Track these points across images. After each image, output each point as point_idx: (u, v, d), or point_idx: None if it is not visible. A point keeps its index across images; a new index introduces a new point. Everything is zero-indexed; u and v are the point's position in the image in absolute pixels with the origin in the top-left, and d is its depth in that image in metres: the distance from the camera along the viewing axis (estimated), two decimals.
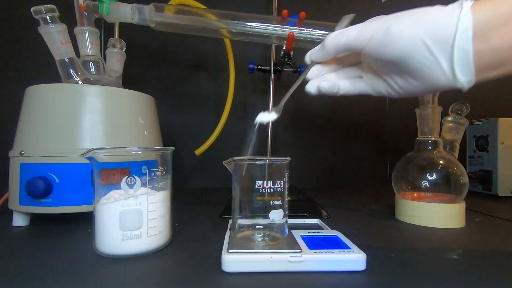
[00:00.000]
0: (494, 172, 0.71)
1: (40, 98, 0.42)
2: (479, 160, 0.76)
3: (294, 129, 0.88)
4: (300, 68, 0.64)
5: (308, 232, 0.34)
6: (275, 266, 0.27)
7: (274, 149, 0.85)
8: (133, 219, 0.30)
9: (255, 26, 0.46)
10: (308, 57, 0.34)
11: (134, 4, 0.46)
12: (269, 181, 0.30)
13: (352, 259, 0.27)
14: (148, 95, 0.50)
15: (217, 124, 0.65)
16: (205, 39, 0.79)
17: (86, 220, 0.40)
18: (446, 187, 0.44)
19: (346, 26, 0.34)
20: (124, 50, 0.53)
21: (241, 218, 0.31)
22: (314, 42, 0.47)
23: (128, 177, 0.30)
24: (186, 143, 0.80)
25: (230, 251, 0.27)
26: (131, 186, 0.30)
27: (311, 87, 0.34)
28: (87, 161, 0.31)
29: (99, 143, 0.42)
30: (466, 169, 0.68)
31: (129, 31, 0.68)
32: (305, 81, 0.35)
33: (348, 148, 0.90)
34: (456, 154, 0.49)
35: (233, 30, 0.47)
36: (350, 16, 0.36)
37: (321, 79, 0.33)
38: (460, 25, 0.23)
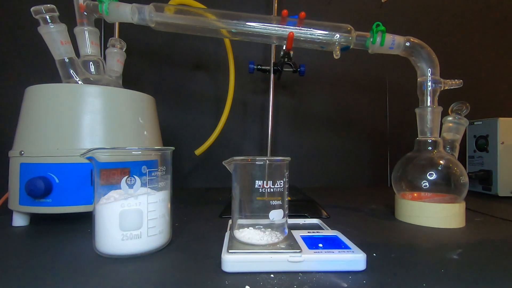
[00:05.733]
0: (494, 172, 0.71)
1: (40, 98, 0.42)
2: (479, 160, 0.76)
3: (294, 129, 0.88)
4: (300, 68, 0.64)
5: (308, 232, 0.34)
6: (275, 266, 0.27)
7: (274, 149, 0.85)
8: (133, 219, 0.30)
9: (255, 26, 0.46)
10: None
11: (134, 4, 0.46)
12: (269, 181, 0.30)
13: (352, 259, 0.27)
14: (148, 95, 0.50)
15: (217, 124, 0.65)
16: (205, 39, 0.79)
17: (86, 220, 0.40)
18: (446, 187, 0.44)
19: None
20: (124, 50, 0.53)
21: (241, 218, 0.31)
22: (314, 42, 0.47)
23: (128, 177, 0.30)
24: (186, 143, 0.80)
25: (230, 251, 0.27)
26: (131, 186, 0.30)
27: None
28: (87, 161, 0.31)
29: (99, 143, 0.42)
30: (466, 169, 0.68)
31: (129, 31, 0.68)
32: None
33: (348, 148, 0.90)
34: (456, 154, 0.49)
35: (233, 30, 0.47)
36: None
37: None
38: None
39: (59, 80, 0.45)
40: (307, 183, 0.86)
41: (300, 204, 0.55)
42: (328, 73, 0.88)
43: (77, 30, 0.47)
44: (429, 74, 0.46)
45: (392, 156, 0.90)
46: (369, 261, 0.27)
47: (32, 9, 0.42)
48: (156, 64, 0.82)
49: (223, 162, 0.32)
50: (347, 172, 0.90)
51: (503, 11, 0.95)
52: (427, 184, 0.45)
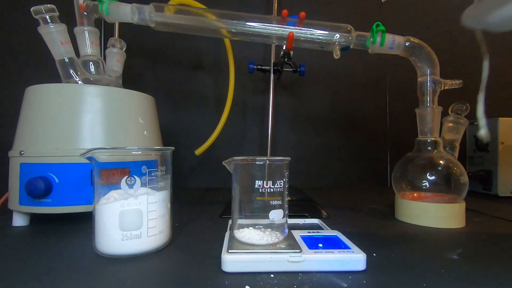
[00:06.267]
0: (494, 172, 0.71)
1: (40, 98, 0.42)
2: (479, 160, 0.76)
3: (294, 129, 0.88)
4: (300, 68, 0.64)
5: (308, 232, 0.34)
6: (275, 266, 0.27)
7: (274, 149, 0.85)
8: (133, 219, 0.30)
9: (255, 26, 0.46)
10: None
11: (134, 4, 0.46)
12: (269, 181, 0.30)
13: (352, 259, 0.27)
14: (148, 95, 0.50)
15: (217, 124, 0.65)
16: (205, 39, 0.79)
17: (86, 220, 0.40)
18: (446, 187, 0.44)
19: None
20: (124, 50, 0.53)
21: (241, 218, 0.31)
22: (314, 42, 0.47)
23: (128, 177, 0.30)
24: (186, 143, 0.80)
25: (230, 251, 0.27)
26: (131, 186, 0.30)
27: None
28: (87, 161, 0.31)
29: (99, 143, 0.42)
30: (466, 169, 0.68)
31: (129, 31, 0.68)
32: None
33: (348, 148, 0.90)
34: (456, 154, 0.49)
35: (233, 30, 0.47)
36: None
37: None
38: None
39: (59, 80, 0.45)
40: (307, 183, 0.86)
41: (300, 204, 0.55)
42: (328, 73, 0.88)
43: (77, 30, 0.47)
44: (429, 74, 0.46)
45: (392, 156, 0.90)
46: (369, 261, 0.27)
47: (32, 9, 0.42)
48: (156, 64, 0.82)
49: (223, 162, 0.32)
50: (347, 172, 0.90)
51: None
52: (427, 184, 0.45)
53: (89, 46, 0.47)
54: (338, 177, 0.89)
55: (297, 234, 0.33)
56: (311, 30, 0.46)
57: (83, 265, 0.28)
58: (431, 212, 0.43)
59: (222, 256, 0.27)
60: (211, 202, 0.61)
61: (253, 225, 0.31)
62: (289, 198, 0.33)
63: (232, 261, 0.26)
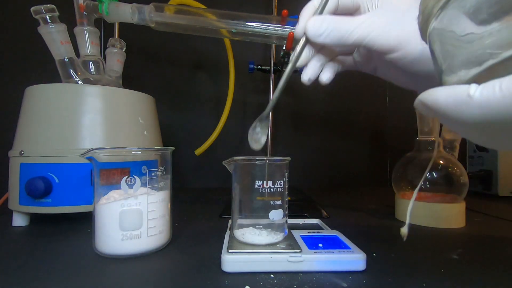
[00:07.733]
0: (494, 172, 0.71)
1: (40, 98, 0.42)
2: (479, 160, 0.76)
3: (294, 129, 0.88)
4: (301, 69, 0.64)
5: (308, 232, 0.34)
6: (275, 266, 0.27)
7: (274, 149, 0.85)
8: (132, 219, 0.30)
9: (255, 26, 0.46)
10: (302, 30, 0.29)
11: (134, 4, 0.46)
12: (269, 181, 0.30)
13: (352, 259, 0.27)
14: (148, 95, 0.50)
15: (217, 124, 0.65)
16: (205, 39, 0.79)
17: (86, 220, 0.40)
18: (446, 187, 0.44)
19: None
20: (124, 50, 0.53)
21: (241, 218, 0.31)
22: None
23: (128, 177, 0.30)
24: (186, 143, 0.80)
25: (230, 251, 0.27)
26: (131, 186, 0.30)
27: (307, 77, 0.33)
28: (87, 161, 0.31)
29: (99, 143, 0.42)
30: (466, 169, 0.68)
31: (129, 31, 0.68)
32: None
33: (348, 148, 0.90)
34: (456, 154, 0.49)
35: (233, 30, 0.47)
36: None
37: (317, 67, 0.32)
38: None
39: (59, 80, 0.45)
40: (307, 183, 0.86)
41: (300, 204, 0.55)
42: None
43: (77, 30, 0.47)
44: None
45: (392, 156, 0.90)
46: (369, 261, 0.27)
47: (32, 9, 0.42)
48: (156, 64, 0.82)
49: (223, 162, 0.32)
50: (347, 172, 0.90)
51: None
52: (427, 184, 0.45)
53: (89, 46, 0.47)
54: (338, 177, 0.89)
55: (297, 234, 0.33)
56: None
57: (83, 265, 0.28)
58: (431, 212, 0.43)
59: (222, 256, 0.27)
60: (211, 202, 0.61)
61: (253, 225, 0.31)
62: (289, 198, 0.33)
63: (232, 261, 0.27)
